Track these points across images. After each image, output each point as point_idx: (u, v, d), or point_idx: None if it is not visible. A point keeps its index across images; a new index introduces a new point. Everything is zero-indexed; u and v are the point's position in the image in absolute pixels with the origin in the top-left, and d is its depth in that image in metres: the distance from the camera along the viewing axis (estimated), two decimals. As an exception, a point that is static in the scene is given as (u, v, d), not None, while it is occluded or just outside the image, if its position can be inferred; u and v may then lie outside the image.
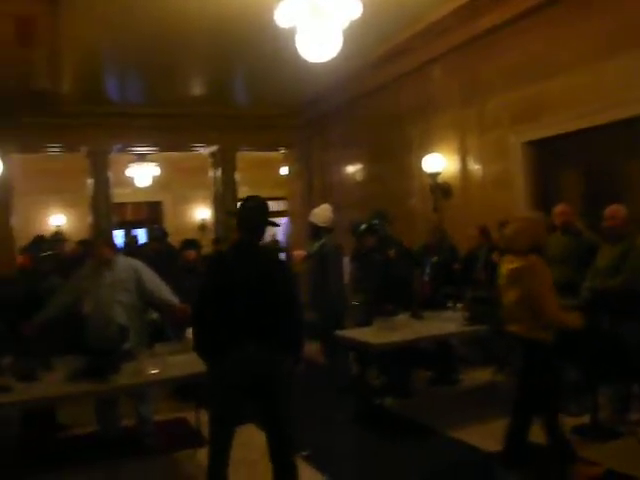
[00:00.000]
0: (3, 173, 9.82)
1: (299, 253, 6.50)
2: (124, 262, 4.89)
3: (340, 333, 5.54)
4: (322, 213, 6.40)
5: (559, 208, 5.15)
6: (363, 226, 6.33)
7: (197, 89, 10.21)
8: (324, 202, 11.42)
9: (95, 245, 5.02)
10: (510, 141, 7.23)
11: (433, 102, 8.38)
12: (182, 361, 4.60)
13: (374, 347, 5.13)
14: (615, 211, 4.85)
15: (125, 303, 4.71)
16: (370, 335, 5.26)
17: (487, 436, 4.75)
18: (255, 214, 3.69)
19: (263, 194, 12.90)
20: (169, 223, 14.84)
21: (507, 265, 3.85)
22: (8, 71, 7.65)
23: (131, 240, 10.33)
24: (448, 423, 5.10)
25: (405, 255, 6.54)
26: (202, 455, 4.48)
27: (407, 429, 5.17)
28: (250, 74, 9.16)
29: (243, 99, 10.77)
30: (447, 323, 5.59)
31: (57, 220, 13.99)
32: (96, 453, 4.76)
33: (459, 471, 4.23)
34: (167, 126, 11.04)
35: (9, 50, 6.87)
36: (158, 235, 8.04)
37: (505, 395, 5.69)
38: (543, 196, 6.96)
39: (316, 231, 6.33)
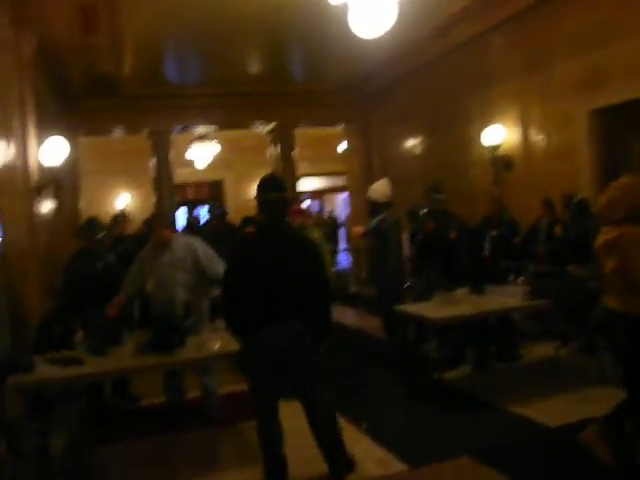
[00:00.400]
0: (71, 157, 10.20)
1: (357, 229, 6.52)
2: (182, 241, 5.04)
3: (399, 308, 5.54)
4: (380, 189, 6.38)
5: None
6: (424, 211, 6.27)
7: (254, 67, 10.26)
8: (383, 177, 11.46)
9: (154, 227, 5.17)
10: (575, 110, 7.00)
11: (493, 72, 8.18)
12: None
13: (432, 321, 5.13)
14: None
15: (184, 281, 4.86)
16: (429, 309, 5.25)
17: (548, 412, 4.71)
18: (272, 194, 3.69)
19: (323, 170, 13.06)
20: (230, 202, 15.11)
21: (603, 236, 3.64)
22: (74, 58, 7.91)
23: (193, 220, 10.57)
24: (508, 398, 5.05)
25: (466, 234, 6.48)
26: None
27: (466, 404, 5.14)
28: (305, 51, 9.15)
29: (299, 76, 10.77)
30: (507, 298, 5.51)
31: (123, 200, 14.44)
32: (163, 423, 4.97)
33: (519, 446, 4.18)
34: (225, 105, 11.18)
35: (74, 38, 7.09)
36: (218, 213, 8.18)
37: (567, 371, 5.67)
38: (610, 166, 6.71)
39: (375, 207, 6.32)
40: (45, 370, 4.08)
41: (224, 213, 8.41)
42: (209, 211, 8.25)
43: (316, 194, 17.07)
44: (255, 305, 3.59)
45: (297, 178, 12.88)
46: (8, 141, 5.69)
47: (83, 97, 9.82)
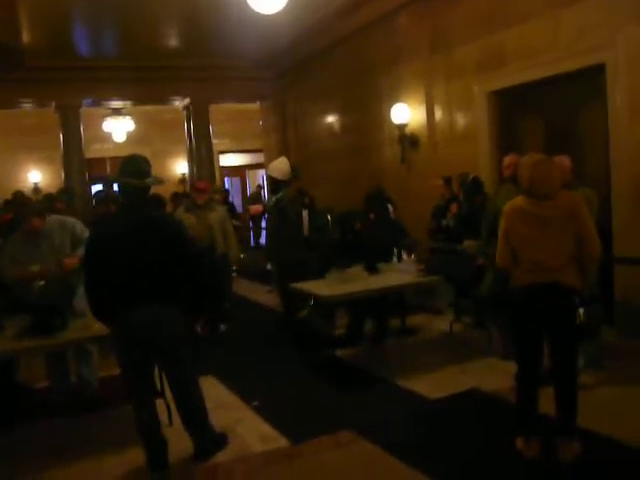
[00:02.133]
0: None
1: (255, 207, 6.54)
2: (56, 224, 4.84)
3: (294, 285, 5.61)
4: (280, 166, 6.38)
5: (507, 160, 5.15)
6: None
7: (169, 41, 10.05)
8: (300, 154, 11.51)
9: (25, 218, 4.75)
10: (475, 91, 7.19)
11: (400, 51, 8.28)
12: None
13: (322, 298, 5.22)
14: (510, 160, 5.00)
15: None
16: (321, 287, 5.33)
17: (433, 384, 4.90)
18: (129, 179, 3.60)
19: (244, 146, 12.96)
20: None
21: (537, 210, 3.43)
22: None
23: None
24: (398, 373, 5.21)
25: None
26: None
27: (357, 379, 5.27)
28: (221, 25, 8.97)
29: (215, 51, 10.56)
30: (401, 275, 5.67)
31: (34, 177, 13.92)
32: (49, 409, 4.88)
33: (398, 419, 4.33)
34: (139, 79, 10.91)
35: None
36: (101, 197, 7.88)
37: (459, 344, 5.90)
38: (507, 147, 6.95)
39: (275, 184, 6.33)
40: None
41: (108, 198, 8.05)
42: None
43: (237, 170, 16.91)
44: (114, 288, 3.54)
45: (214, 154, 12.75)
46: None
47: (-19, 68, 9.35)
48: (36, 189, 13.54)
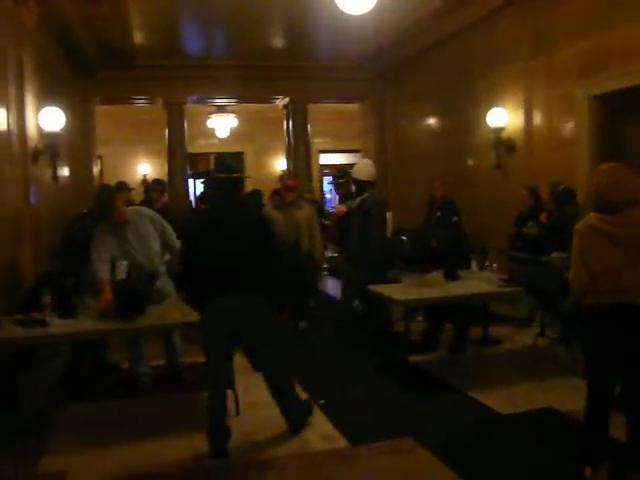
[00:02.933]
0: (86, 124, 10.45)
1: (340, 208, 6.54)
2: (144, 215, 5.08)
3: (371, 288, 5.57)
4: (365, 168, 6.36)
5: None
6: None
7: (271, 41, 10.24)
8: (397, 156, 11.43)
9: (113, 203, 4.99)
10: (576, 95, 6.84)
11: (500, 54, 8.02)
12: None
13: (399, 303, 5.16)
14: None
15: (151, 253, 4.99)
16: (398, 291, 5.27)
17: (506, 398, 4.73)
18: (222, 174, 3.98)
19: (344, 146, 13.15)
20: (250, 173, 15.21)
21: (611, 228, 3.18)
22: (81, 28, 8.03)
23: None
24: (471, 383, 5.07)
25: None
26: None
27: (427, 386, 5.18)
28: (323, 26, 9.04)
29: (316, 51, 10.68)
30: (481, 283, 5.50)
31: (143, 169, 14.69)
32: (129, 388, 5.14)
33: (463, 430, 4.20)
34: (243, 77, 11.19)
35: (77, 7, 7.20)
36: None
37: (542, 360, 5.65)
38: (608, 155, 6.56)
39: (360, 186, 6.32)
40: (10, 330, 4.26)
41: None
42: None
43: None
44: (210, 276, 3.88)
45: (315, 153, 12.91)
46: (3, 108, 5.84)
47: (98, 66, 9.97)
48: (144, 181, 14.29)
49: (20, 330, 4.25)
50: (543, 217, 6.17)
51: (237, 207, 4.10)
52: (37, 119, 6.94)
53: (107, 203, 4.82)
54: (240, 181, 4.18)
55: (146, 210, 5.19)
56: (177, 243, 5.01)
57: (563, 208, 5.73)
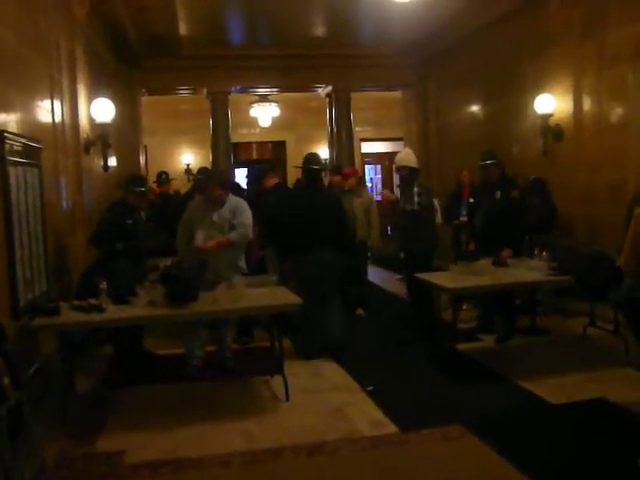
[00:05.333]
0: (132, 114, 10.64)
1: (387, 194, 6.68)
2: (231, 202, 5.27)
3: (419, 275, 5.57)
4: (412, 156, 6.39)
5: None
6: (489, 160, 6.26)
7: (313, 30, 10.24)
8: (440, 143, 11.33)
9: (209, 185, 5.38)
10: (630, 79, 6.65)
11: (549, 38, 7.83)
12: (259, 294, 4.94)
13: (448, 291, 5.14)
14: None
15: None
16: (447, 279, 5.25)
17: (558, 388, 4.68)
18: (309, 165, 5.94)
19: (385, 134, 13.11)
20: (291, 162, 15.27)
21: None
22: (130, 19, 8.15)
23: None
24: (521, 372, 5.04)
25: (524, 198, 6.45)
26: (276, 382, 4.86)
27: (476, 374, 5.17)
28: (365, 13, 9.01)
29: (358, 39, 10.62)
30: (530, 271, 5.43)
31: (186, 158, 14.88)
32: (179, 374, 5.27)
33: (514, 419, 4.19)
34: (285, 67, 11.22)
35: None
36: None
37: (592, 349, 5.57)
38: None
39: (410, 174, 6.29)
40: (68, 315, 4.41)
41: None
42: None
43: (379, 158, 16.93)
44: (303, 235, 5.62)
45: (356, 141, 12.88)
46: (57, 99, 5.99)
47: (144, 57, 10.10)
48: (188, 170, 14.48)
49: (79, 315, 4.39)
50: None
51: (322, 189, 6.20)
52: (88, 110, 7.10)
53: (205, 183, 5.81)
54: (321, 172, 6.06)
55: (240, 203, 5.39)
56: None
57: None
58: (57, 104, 5.95)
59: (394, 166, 7.29)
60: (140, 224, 5.67)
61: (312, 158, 5.95)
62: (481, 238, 6.18)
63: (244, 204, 5.33)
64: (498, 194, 6.09)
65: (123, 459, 3.75)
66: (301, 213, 5.65)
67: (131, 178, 5.90)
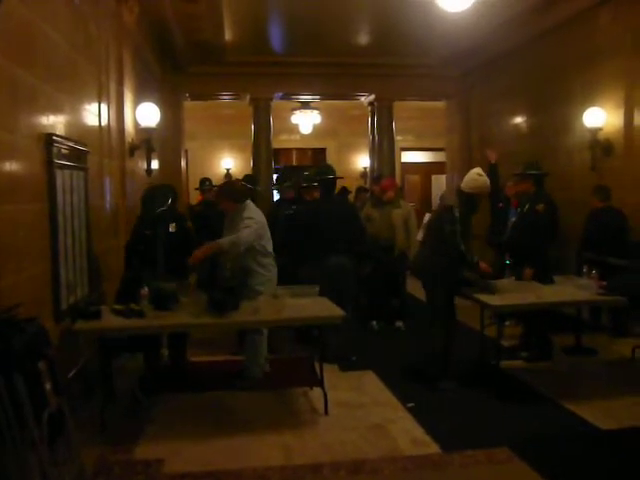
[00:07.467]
0: (175, 119, 10.73)
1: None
2: (247, 210, 5.14)
3: (466, 292, 5.42)
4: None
5: None
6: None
7: (356, 39, 10.18)
8: (482, 156, 11.10)
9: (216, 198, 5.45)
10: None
11: (597, 51, 7.64)
12: (302, 305, 4.87)
13: (491, 308, 5.00)
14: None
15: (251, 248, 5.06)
16: (493, 296, 5.11)
17: (605, 413, 4.51)
18: (324, 176, 6.23)
19: (426, 144, 13.01)
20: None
21: None
22: (177, 26, 8.23)
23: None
24: (566, 394, 4.88)
25: (552, 214, 6.26)
26: (314, 393, 4.80)
27: (520, 394, 5.02)
28: (409, 24, 8.91)
29: (401, 49, 10.51)
30: (578, 290, 5.26)
31: (226, 163, 14.96)
32: (217, 380, 5.24)
33: (561, 443, 4.04)
34: (328, 75, 11.18)
35: (175, 6, 7.37)
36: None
37: (636, 372, 5.37)
38: None
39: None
40: (109, 319, 4.41)
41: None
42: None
43: (418, 168, 16.74)
44: (321, 243, 5.87)
45: (396, 150, 12.77)
46: (105, 103, 6.06)
47: (188, 63, 10.18)
48: (228, 174, 14.55)
49: (120, 320, 4.39)
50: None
51: (338, 199, 6.63)
52: (134, 114, 7.16)
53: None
54: (334, 182, 6.29)
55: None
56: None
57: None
58: (104, 108, 6.01)
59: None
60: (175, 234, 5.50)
61: (324, 169, 6.43)
62: (509, 252, 6.06)
63: (253, 213, 5.11)
64: (526, 207, 5.97)
65: (161, 468, 3.72)
66: (314, 222, 5.97)
67: (148, 197, 5.66)
